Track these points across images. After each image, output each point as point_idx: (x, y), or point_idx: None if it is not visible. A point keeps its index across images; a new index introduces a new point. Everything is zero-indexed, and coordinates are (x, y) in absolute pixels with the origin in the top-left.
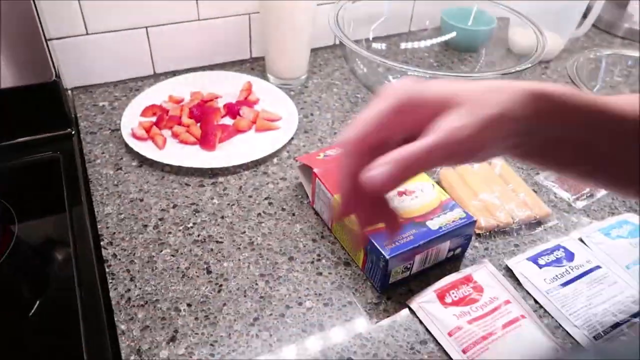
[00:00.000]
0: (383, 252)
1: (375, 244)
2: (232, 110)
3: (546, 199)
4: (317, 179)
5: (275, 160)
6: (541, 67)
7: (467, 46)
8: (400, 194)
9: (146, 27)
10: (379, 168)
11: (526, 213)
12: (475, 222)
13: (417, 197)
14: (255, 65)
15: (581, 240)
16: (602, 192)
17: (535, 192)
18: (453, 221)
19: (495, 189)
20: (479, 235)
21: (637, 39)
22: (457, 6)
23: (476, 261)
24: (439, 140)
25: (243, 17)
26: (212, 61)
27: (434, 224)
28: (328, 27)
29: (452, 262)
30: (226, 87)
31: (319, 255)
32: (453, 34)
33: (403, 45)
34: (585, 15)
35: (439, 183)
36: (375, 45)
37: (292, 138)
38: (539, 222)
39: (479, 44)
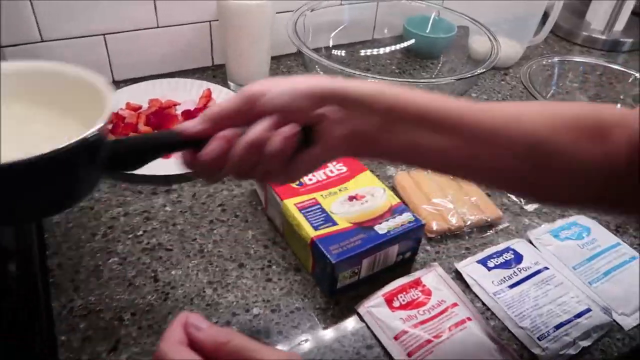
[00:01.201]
0: (329, 257)
1: (322, 249)
2: (190, 117)
3: (499, 202)
4: (268, 184)
5: None
6: (500, 73)
7: (428, 53)
8: (351, 198)
9: (104, 35)
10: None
11: (478, 216)
12: (423, 225)
13: (368, 201)
14: (218, 73)
15: (531, 242)
16: None
17: (489, 195)
18: (402, 225)
19: (449, 193)
20: (430, 239)
21: (594, 46)
22: (419, 14)
23: (427, 265)
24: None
25: (204, 25)
26: (173, 68)
27: (382, 228)
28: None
29: (403, 266)
30: (186, 94)
31: (269, 261)
32: (412, 41)
33: (363, 52)
34: (543, 23)
35: (393, 189)
36: (335, 52)
37: None
38: (490, 225)
39: (440, 51)
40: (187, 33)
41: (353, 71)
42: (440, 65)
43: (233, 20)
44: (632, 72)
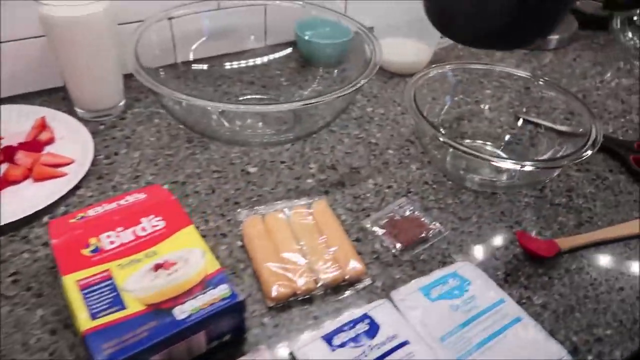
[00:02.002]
0: (96, 359)
1: (90, 347)
2: (11, 155)
3: (369, 250)
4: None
5: (46, 218)
6: (405, 81)
7: (325, 61)
8: (157, 267)
9: None
10: None
11: (333, 274)
12: (242, 302)
13: (178, 270)
14: (68, 95)
15: (395, 305)
16: (437, 238)
17: (359, 240)
18: (211, 304)
19: (304, 243)
20: (271, 307)
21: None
22: (312, 17)
23: (259, 344)
24: None
25: (40, 40)
26: (11, 92)
27: (183, 310)
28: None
29: (226, 350)
30: (16, 125)
31: (51, 354)
32: (289, 50)
33: (244, 63)
34: None
35: (241, 239)
36: (196, 66)
37: (77, 187)
38: (350, 284)
39: (337, 59)
40: (19, 51)
41: (189, 98)
42: (335, 75)
43: (62, 36)
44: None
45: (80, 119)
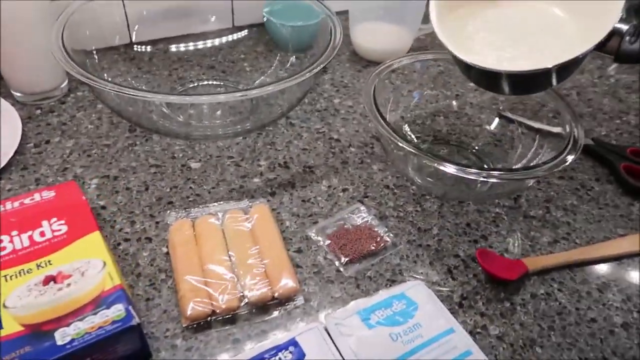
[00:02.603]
0: None
1: None
2: None
3: (309, 262)
4: None
5: None
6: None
7: (297, 45)
8: (47, 280)
9: None
10: None
11: (261, 291)
12: (137, 326)
13: (71, 285)
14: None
15: (327, 330)
16: (389, 252)
17: (300, 251)
18: (99, 327)
19: (234, 253)
20: (186, 327)
21: None
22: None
23: None
24: None
25: None
26: None
27: (65, 334)
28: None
29: None
30: None
31: None
32: (244, 32)
33: (202, 45)
34: None
35: (172, 238)
36: (138, 48)
37: None
38: (280, 303)
39: (307, 43)
40: None
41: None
42: (306, 61)
43: None
44: None
45: (18, 103)
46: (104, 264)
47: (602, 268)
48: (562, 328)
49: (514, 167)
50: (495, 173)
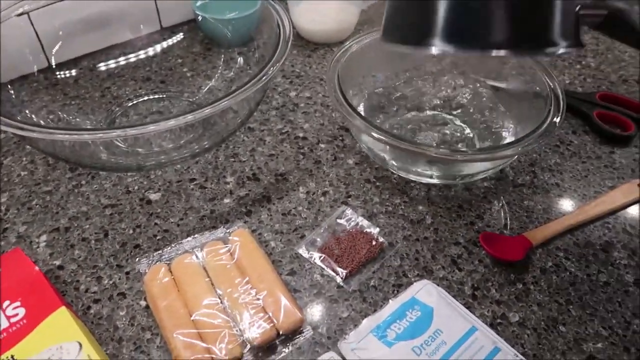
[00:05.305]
0: None
1: None
2: None
3: (307, 284)
4: None
5: None
6: (332, 51)
7: (233, 39)
8: None
9: None
10: None
11: (263, 331)
12: None
13: None
14: None
15: (344, 358)
16: (388, 253)
17: (294, 273)
18: None
19: (222, 292)
20: None
21: None
22: None
23: None
24: None
25: None
26: None
27: None
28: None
29: None
30: None
31: None
32: (179, 35)
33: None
34: None
35: (149, 290)
36: (61, 74)
37: None
38: (287, 337)
39: (247, 36)
40: None
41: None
42: (250, 54)
43: None
44: None
45: None
46: (80, 345)
47: (601, 225)
48: (579, 299)
49: (501, 144)
50: (482, 155)
